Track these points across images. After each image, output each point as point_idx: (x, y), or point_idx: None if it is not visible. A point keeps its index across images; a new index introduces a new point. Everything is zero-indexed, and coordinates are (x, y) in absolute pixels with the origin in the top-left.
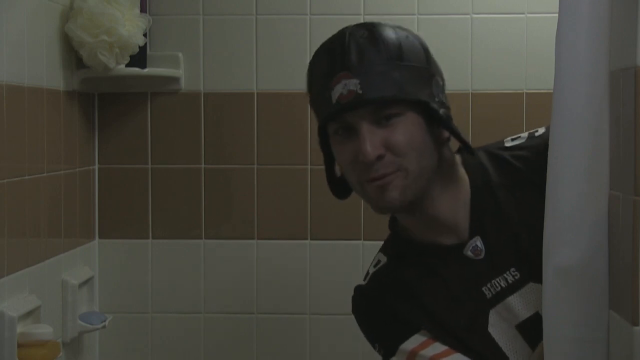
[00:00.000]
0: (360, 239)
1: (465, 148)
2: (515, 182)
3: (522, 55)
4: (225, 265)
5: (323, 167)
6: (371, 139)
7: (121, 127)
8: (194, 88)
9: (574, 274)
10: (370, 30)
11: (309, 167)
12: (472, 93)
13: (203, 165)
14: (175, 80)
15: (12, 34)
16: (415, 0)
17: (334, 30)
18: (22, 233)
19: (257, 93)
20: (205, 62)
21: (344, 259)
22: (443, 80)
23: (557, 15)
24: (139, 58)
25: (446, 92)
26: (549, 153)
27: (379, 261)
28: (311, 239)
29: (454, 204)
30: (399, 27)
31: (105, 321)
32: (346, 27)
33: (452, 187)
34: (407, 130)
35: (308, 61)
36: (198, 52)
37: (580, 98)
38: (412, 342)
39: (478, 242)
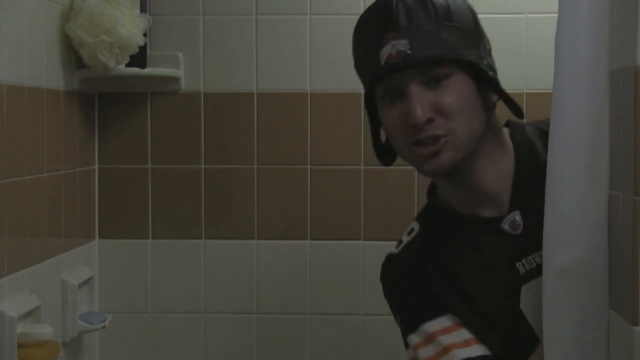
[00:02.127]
0: (360, 239)
1: (515, 111)
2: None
3: (522, 55)
4: (225, 265)
5: (323, 167)
6: (421, 102)
7: (121, 127)
8: (194, 88)
9: (574, 274)
10: None
11: (309, 167)
12: None
13: (203, 165)
14: (175, 80)
15: (12, 34)
16: None
17: (334, 30)
18: (22, 233)
19: (257, 93)
20: (205, 62)
21: (344, 259)
22: (490, 45)
23: (557, 15)
24: (139, 58)
25: None
26: (548, 153)
27: (412, 229)
28: (311, 239)
29: (497, 174)
30: None
31: (105, 321)
32: None
33: (496, 156)
34: (456, 91)
35: (308, 61)
36: (198, 52)
37: (580, 98)
38: (437, 324)
39: (517, 216)
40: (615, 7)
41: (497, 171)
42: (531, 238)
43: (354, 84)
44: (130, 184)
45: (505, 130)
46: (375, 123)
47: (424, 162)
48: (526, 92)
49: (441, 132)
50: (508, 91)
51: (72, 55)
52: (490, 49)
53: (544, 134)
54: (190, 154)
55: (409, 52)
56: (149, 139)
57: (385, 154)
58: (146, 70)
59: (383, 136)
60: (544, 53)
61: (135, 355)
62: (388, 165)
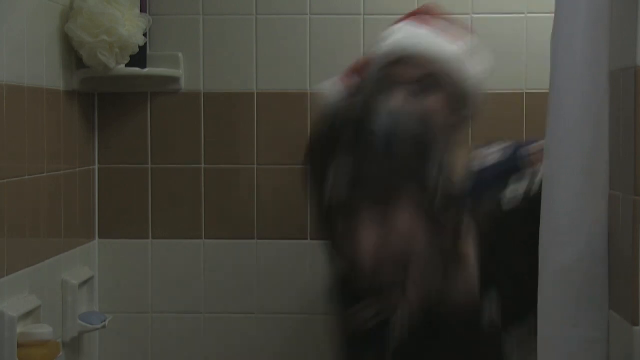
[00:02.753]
0: None
1: (468, 232)
2: (516, 244)
3: (522, 55)
4: (225, 265)
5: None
6: (369, 237)
7: (121, 127)
8: (194, 88)
9: (574, 274)
10: (361, 119)
11: (309, 167)
12: None
13: (203, 165)
14: (175, 80)
15: (12, 34)
16: (415, 1)
17: (334, 30)
18: (22, 233)
19: (257, 93)
20: (205, 62)
21: None
22: (444, 160)
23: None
24: (139, 58)
25: None
26: (544, 153)
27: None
28: (311, 239)
29: (464, 281)
30: (393, 111)
31: (105, 321)
32: (337, 110)
33: (460, 267)
34: (406, 222)
35: (308, 61)
36: (198, 52)
37: (577, 98)
38: None
39: (493, 293)
40: (615, 7)
41: (462, 281)
42: (511, 313)
43: None
44: (130, 184)
45: None
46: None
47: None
48: (526, 92)
49: (397, 262)
50: (508, 91)
51: (72, 55)
52: (442, 164)
53: (490, 218)
54: (190, 154)
55: (357, 182)
56: (149, 139)
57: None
58: (146, 70)
59: None
60: (544, 53)
61: (135, 355)
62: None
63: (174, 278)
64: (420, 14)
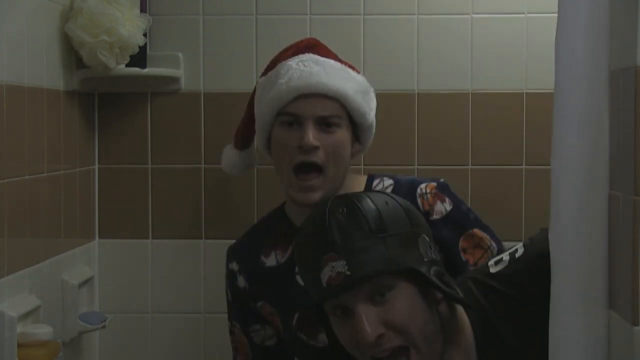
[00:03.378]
0: None
1: (462, 306)
2: (508, 309)
3: (522, 55)
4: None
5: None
6: (368, 320)
7: (121, 127)
8: (194, 88)
9: (574, 274)
10: (349, 205)
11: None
12: (472, 93)
13: (203, 165)
14: (175, 80)
15: (12, 34)
16: (415, 0)
17: (334, 30)
18: (22, 233)
19: None
20: (205, 62)
21: None
22: (429, 234)
23: (557, 15)
24: (139, 58)
25: (446, 92)
26: (552, 154)
27: None
28: None
29: (464, 351)
30: (377, 193)
31: (105, 321)
32: (325, 203)
33: (457, 338)
34: (403, 303)
35: None
36: (198, 52)
37: (580, 98)
38: None
39: None
40: (615, 7)
41: (461, 349)
42: None
43: None
44: (130, 184)
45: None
46: (330, 330)
47: None
48: (526, 92)
49: (396, 344)
50: (508, 91)
51: (72, 55)
52: (430, 239)
53: (482, 285)
54: (190, 154)
55: (348, 272)
56: (149, 139)
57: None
58: (146, 70)
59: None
60: (544, 53)
61: (135, 355)
62: None
63: (174, 278)
64: (310, 46)
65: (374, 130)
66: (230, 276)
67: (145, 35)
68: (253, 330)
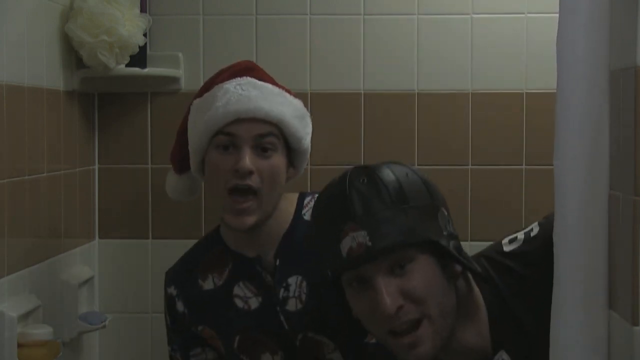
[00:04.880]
0: None
1: (479, 278)
2: (521, 288)
3: (522, 55)
4: None
5: (322, 166)
6: (388, 291)
7: (121, 127)
8: (194, 88)
9: (574, 274)
10: (370, 175)
11: (309, 166)
12: (472, 93)
13: None
14: (175, 80)
15: (12, 34)
16: (415, 0)
17: (334, 30)
18: (22, 233)
19: None
20: (205, 62)
21: None
22: (447, 208)
23: (557, 15)
24: (139, 58)
25: (446, 92)
26: (554, 154)
27: None
28: None
29: (477, 328)
30: (397, 165)
31: (105, 321)
32: (344, 174)
33: (472, 313)
34: (422, 275)
35: (308, 61)
36: (198, 52)
37: (580, 98)
38: None
39: (504, 355)
40: (615, 7)
41: (475, 326)
42: None
43: (354, 84)
44: (130, 184)
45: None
46: (346, 303)
47: (405, 352)
48: (526, 92)
49: (412, 316)
50: (508, 91)
51: (72, 55)
52: (448, 213)
53: (496, 264)
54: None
55: (369, 243)
56: (149, 139)
57: (359, 327)
58: (146, 70)
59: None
60: (544, 53)
61: (135, 355)
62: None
63: None
64: (248, 69)
65: (308, 156)
66: (169, 301)
67: (145, 35)
68: (194, 354)
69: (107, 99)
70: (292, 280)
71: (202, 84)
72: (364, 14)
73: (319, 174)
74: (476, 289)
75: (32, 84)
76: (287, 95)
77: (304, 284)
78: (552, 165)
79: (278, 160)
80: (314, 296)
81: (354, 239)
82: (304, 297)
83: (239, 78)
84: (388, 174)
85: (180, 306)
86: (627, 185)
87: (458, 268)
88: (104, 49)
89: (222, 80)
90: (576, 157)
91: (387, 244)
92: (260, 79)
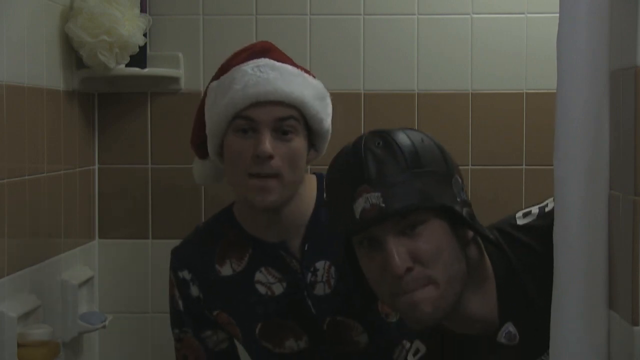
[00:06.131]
0: None
1: (489, 243)
2: (533, 263)
3: (522, 55)
4: None
5: (322, 166)
6: (398, 252)
7: (121, 127)
8: (194, 88)
9: (574, 274)
10: (385, 139)
11: (309, 166)
12: (472, 93)
13: None
14: (175, 80)
15: (12, 34)
16: (415, 0)
17: (334, 30)
18: (22, 233)
19: None
20: (205, 62)
21: None
22: (461, 176)
23: (557, 15)
24: (139, 58)
25: (446, 92)
26: (554, 154)
27: (417, 350)
28: None
29: (486, 297)
30: (412, 130)
31: (105, 321)
32: (360, 137)
33: (481, 283)
34: (433, 237)
35: (308, 61)
36: (198, 52)
37: (580, 98)
38: None
39: (510, 327)
40: (615, 7)
41: (484, 295)
42: (528, 347)
43: (354, 84)
44: (130, 184)
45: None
46: (356, 265)
47: (408, 314)
48: (526, 92)
49: (421, 281)
50: (508, 91)
51: (72, 55)
52: (462, 181)
53: (509, 237)
54: (190, 153)
55: (383, 205)
56: (149, 139)
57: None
58: (146, 70)
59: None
60: (543, 53)
61: (135, 355)
62: (374, 302)
63: None
64: (265, 50)
65: (329, 137)
66: (182, 285)
67: (145, 35)
68: (206, 336)
69: (107, 99)
70: (320, 265)
71: (202, 84)
72: (364, 14)
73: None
74: (487, 259)
75: (32, 84)
76: (307, 76)
77: (332, 268)
78: (552, 165)
79: (299, 143)
80: (342, 279)
81: (368, 201)
82: (332, 281)
83: (256, 59)
84: (404, 138)
85: (195, 291)
86: (627, 185)
87: (470, 234)
88: (104, 49)
89: (240, 62)
90: (576, 157)
91: (401, 207)
92: (278, 60)
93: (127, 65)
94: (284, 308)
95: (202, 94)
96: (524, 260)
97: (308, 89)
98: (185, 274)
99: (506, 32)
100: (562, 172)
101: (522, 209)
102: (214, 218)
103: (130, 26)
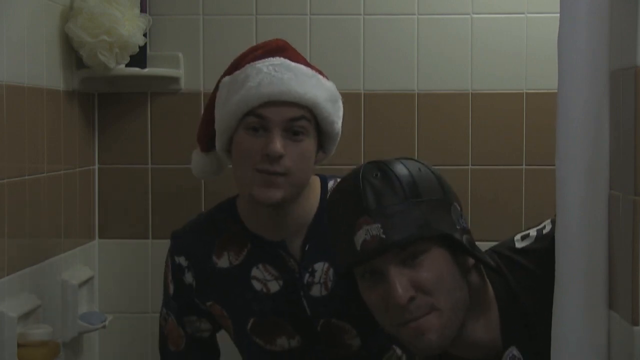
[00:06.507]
0: None
1: (492, 270)
2: (532, 285)
3: (522, 55)
4: None
5: (323, 166)
6: (400, 282)
7: (121, 127)
8: (194, 88)
9: (574, 274)
10: (383, 170)
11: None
12: (472, 93)
13: None
14: (175, 80)
15: (12, 34)
16: (415, 0)
17: (334, 30)
18: (22, 233)
19: None
20: (205, 62)
21: None
22: (460, 204)
23: (557, 15)
24: (139, 58)
25: (446, 92)
26: (556, 154)
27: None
28: None
29: (487, 323)
30: (410, 160)
31: (105, 321)
32: (358, 168)
33: (483, 308)
34: (434, 267)
35: (308, 61)
36: (198, 52)
37: (580, 98)
38: None
39: (514, 351)
40: (615, 7)
41: (487, 321)
42: None
43: (354, 84)
44: (130, 184)
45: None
46: (356, 293)
47: (412, 342)
48: (526, 92)
49: (423, 310)
50: (508, 91)
51: (72, 55)
52: (461, 208)
53: (508, 260)
54: (190, 154)
55: (383, 236)
56: (149, 139)
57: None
58: (146, 70)
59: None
60: (543, 53)
61: (135, 355)
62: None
63: None
64: (280, 49)
65: (338, 139)
66: (177, 270)
67: (145, 35)
68: (188, 321)
69: (107, 99)
70: (319, 267)
71: (202, 84)
72: (364, 14)
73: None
74: (488, 285)
75: (32, 84)
76: (320, 77)
77: (331, 270)
78: (552, 165)
79: (309, 144)
80: (340, 282)
81: (368, 232)
82: (329, 283)
83: (271, 58)
84: (401, 169)
85: (189, 278)
86: (627, 185)
87: (471, 261)
88: (104, 49)
89: (254, 59)
90: (576, 157)
91: (401, 237)
92: (293, 60)
93: (127, 65)
94: (279, 306)
95: (209, 93)
96: (523, 283)
97: (321, 91)
98: (182, 260)
99: (506, 32)
100: (562, 172)
101: (520, 232)
102: (217, 209)
103: (130, 26)
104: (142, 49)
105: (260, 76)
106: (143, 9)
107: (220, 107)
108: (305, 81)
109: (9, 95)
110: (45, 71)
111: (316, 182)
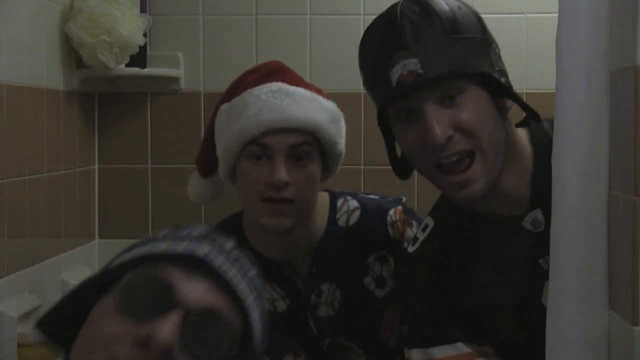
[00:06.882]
0: None
1: (530, 115)
2: None
3: (522, 55)
4: None
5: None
6: (438, 121)
7: (121, 127)
8: (194, 88)
9: (574, 274)
10: (422, 5)
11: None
12: None
13: None
14: (175, 80)
15: (12, 34)
16: None
17: (334, 30)
18: (22, 233)
19: None
20: (205, 62)
21: None
22: (498, 47)
23: (557, 15)
24: (139, 58)
25: None
26: (553, 154)
27: (426, 225)
28: None
29: (517, 175)
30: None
31: None
32: (396, 3)
33: (513, 158)
34: (474, 106)
35: (308, 61)
36: (198, 52)
37: (580, 98)
38: (442, 352)
39: (539, 214)
40: (615, 7)
41: (516, 172)
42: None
43: (354, 84)
44: (130, 184)
45: (522, 131)
46: (389, 138)
47: (456, 190)
48: (526, 92)
49: (464, 147)
50: None
51: (72, 55)
52: (499, 52)
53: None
54: (189, 154)
55: (421, 71)
56: (149, 139)
57: (402, 167)
58: (146, 70)
59: (398, 150)
60: (544, 53)
61: None
62: (405, 179)
63: None
64: (277, 71)
65: (342, 157)
66: None
67: (145, 35)
68: None
69: (107, 99)
70: (325, 287)
71: (202, 84)
72: (364, 14)
73: None
74: (522, 140)
75: (32, 84)
76: (320, 98)
77: (337, 291)
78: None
79: (313, 168)
80: (346, 303)
81: (405, 67)
82: (336, 304)
83: (269, 83)
84: (441, 4)
85: None
86: (627, 185)
87: (509, 104)
88: (104, 49)
89: (251, 84)
90: (576, 157)
91: (439, 73)
92: (291, 83)
93: (127, 65)
94: (286, 325)
95: (209, 93)
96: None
97: (322, 113)
98: None
99: (506, 32)
100: (561, 172)
101: None
102: (222, 226)
103: (130, 26)
104: (142, 49)
105: (260, 104)
106: (143, 9)
107: (221, 135)
108: (305, 105)
109: (9, 95)
110: (45, 71)
111: (324, 200)
